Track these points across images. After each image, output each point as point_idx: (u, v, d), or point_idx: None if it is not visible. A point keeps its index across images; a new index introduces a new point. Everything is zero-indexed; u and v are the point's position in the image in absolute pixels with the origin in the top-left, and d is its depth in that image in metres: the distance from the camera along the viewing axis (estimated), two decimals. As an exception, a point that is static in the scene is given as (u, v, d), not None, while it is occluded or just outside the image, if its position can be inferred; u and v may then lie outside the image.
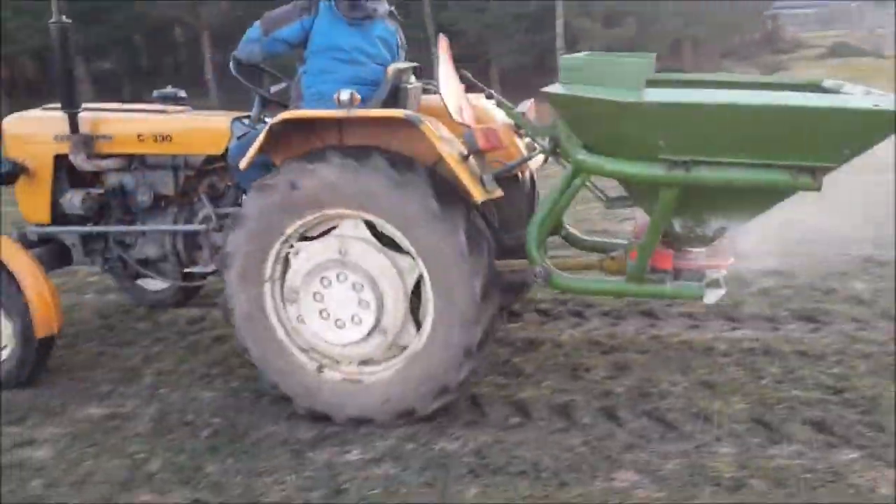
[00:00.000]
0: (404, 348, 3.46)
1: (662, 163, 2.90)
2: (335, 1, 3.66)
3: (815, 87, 3.36)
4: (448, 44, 3.66)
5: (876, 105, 2.69)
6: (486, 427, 3.42)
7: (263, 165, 3.55)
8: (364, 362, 3.51)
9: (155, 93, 4.48)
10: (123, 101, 4.89)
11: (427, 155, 3.31)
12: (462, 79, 3.79)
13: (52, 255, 4.38)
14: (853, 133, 2.74)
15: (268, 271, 3.46)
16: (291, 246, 3.45)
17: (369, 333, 3.38)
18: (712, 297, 3.32)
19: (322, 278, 3.39)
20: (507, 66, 16.99)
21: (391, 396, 3.42)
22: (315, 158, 3.30)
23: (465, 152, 3.28)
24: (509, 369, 3.97)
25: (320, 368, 3.53)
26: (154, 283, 4.95)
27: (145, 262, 4.34)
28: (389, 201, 3.24)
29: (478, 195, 3.23)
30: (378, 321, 3.37)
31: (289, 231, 3.40)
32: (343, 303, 3.38)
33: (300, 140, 3.45)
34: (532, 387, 3.76)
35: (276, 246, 3.43)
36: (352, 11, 3.66)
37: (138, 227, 4.29)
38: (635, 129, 2.90)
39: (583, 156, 3.13)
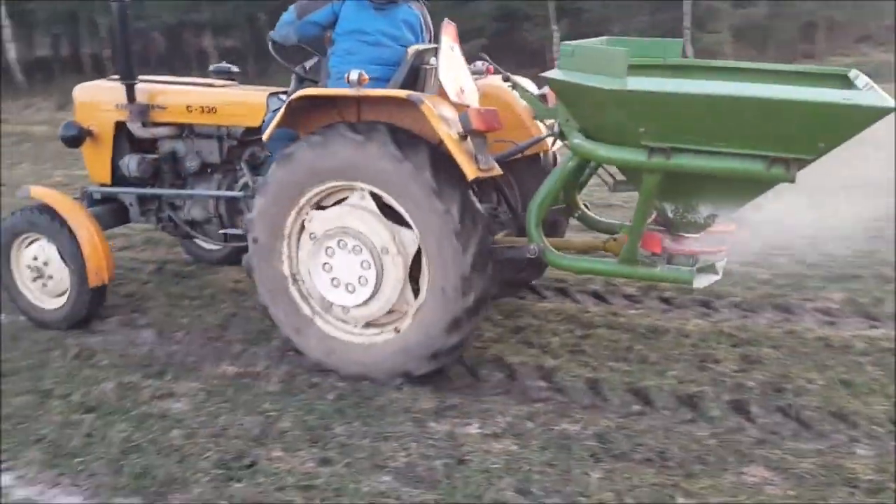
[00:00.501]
0: (403, 314, 3.66)
1: (644, 149, 3.01)
2: None
3: (838, 79, 3.29)
4: (455, 29, 3.79)
5: (847, 99, 2.72)
6: (607, 412, 3.37)
7: (290, 138, 3.78)
8: (367, 324, 3.74)
9: (211, 67, 4.80)
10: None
11: (432, 133, 3.45)
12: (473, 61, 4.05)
13: (113, 212, 4.84)
14: (826, 126, 2.76)
15: (286, 235, 3.75)
16: (307, 213, 3.70)
17: (370, 298, 3.61)
18: (703, 281, 3.39)
19: (328, 246, 3.64)
20: (630, 47, 16.54)
21: (389, 357, 3.66)
22: (327, 133, 3.53)
23: (462, 132, 3.40)
24: (631, 356, 3.88)
25: (328, 326, 3.81)
26: (208, 243, 5.22)
27: (192, 224, 4.71)
28: (391, 175, 3.44)
29: (471, 173, 3.37)
30: (378, 287, 3.59)
31: (304, 199, 3.66)
32: (348, 268, 3.62)
33: (321, 115, 3.68)
34: (655, 375, 3.66)
35: (294, 212, 3.70)
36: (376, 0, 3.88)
37: (186, 192, 4.64)
38: (619, 116, 3.01)
39: (578, 140, 3.28)
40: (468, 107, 3.57)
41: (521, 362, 3.87)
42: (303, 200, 3.66)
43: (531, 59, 16.42)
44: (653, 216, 3.54)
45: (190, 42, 21.27)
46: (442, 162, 3.41)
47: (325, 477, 2.95)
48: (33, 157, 11.16)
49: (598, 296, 4.75)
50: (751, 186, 3.10)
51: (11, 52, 21.16)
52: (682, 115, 2.91)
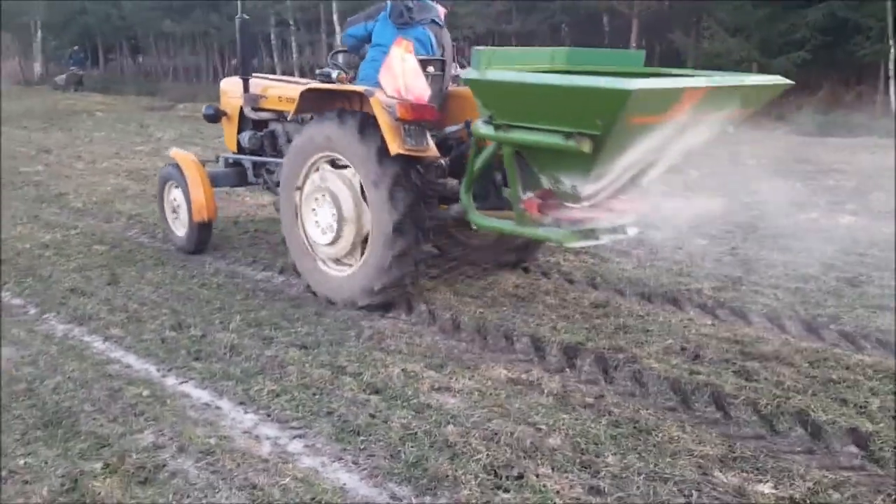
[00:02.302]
0: (357, 258, 4.84)
1: (496, 126, 4.01)
2: (389, 11, 5.13)
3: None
4: (409, 43, 4.67)
5: (607, 84, 3.45)
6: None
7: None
8: (336, 261, 4.97)
9: (317, 71, 5.56)
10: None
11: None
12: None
13: (237, 174, 6.31)
14: (598, 106, 3.50)
15: (297, 188, 5.06)
16: (311, 173, 4.97)
17: (334, 241, 4.86)
18: (578, 243, 4.30)
19: (316, 198, 4.91)
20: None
21: (346, 289, 4.86)
22: (321, 117, 4.86)
23: (396, 117, 4.42)
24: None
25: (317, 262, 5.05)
26: None
27: (279, 184, 5.48)
28: (352, 149, 4.65)
29: (393, 149, 4.42)
30: (339, 233, 4.81)
31: (310, 162, 4.95)
32: (324, 216, 4.88)
33: (330, 103, 4.89)
34: None
35: (303, 171, 5.00)
36: (398, 19, 5.12)
37: (274, 160, 5.86)
38: (485, 101, 4.05)
39: (476, 125, 4.20)
40: (396, 99, 4.48)
41: (829, 420, 3.35)
42: (307, 163, 4.96)
43: (860, 75, 14.67)
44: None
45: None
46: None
47: (593, 507, 2.78)
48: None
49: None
50: (567, 159, 3.84)
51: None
52: (510, 99, 3.94)
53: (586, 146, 3.63)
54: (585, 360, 4.07)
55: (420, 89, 4.57)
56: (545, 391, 3.71)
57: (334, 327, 4.57)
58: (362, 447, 3.21)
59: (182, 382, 3.86)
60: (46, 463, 3.07)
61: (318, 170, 4.94)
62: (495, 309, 4.83)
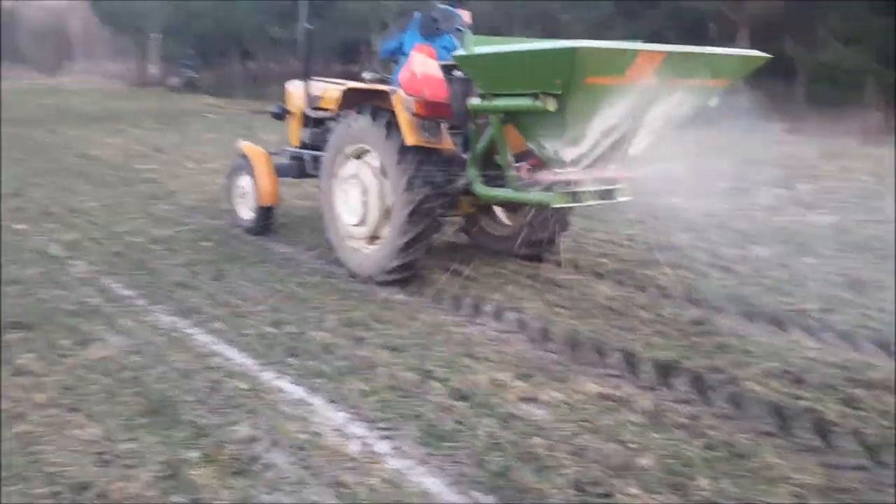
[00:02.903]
0: (378, 238, 5.47)
1: (482, 97, 4.59)
2: (418, 24, 5.86)
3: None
4: (427, 48, 5.59)
5: (557, 45, 4.07)
6: None
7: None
8: (361, 240, 5.61)
9: (364, 74, 6.40)
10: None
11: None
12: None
13: (297, 166, 6.81)
14: (554, 67, 4.07)
15: (335, 174, 5.74)
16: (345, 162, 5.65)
17: (360, 222, 5.51)
18: (563, 205, 4.64)
19: (347, 184, 5.57)
20: None
21: (368, 265, 5.50)
22: (355, 112, 5.49)
23: (415, 110, 5.05)
24: None
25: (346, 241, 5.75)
26: None
27: None
28: (379, 142, 5.24)
29: (409, 140, 5.00)
30: (365, 216, 5.46)
31: (344, 152, 5.64)
32: (354, 200, 5.52)
33: (368, 100, 5.45)
34: None
35: (339, 160, 5.68)
36: (425, 30, 5.85)
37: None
38: (472, 75, 4.65)
39: (470, 100, 4.73)
40: (412, 95, 5.10)
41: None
42: (342, 153, 5.64)
43: None
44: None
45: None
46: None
47: (683, 532, 2.69)
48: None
49: None
50: (542, 122, 4.34)
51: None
52: (489, 70, 4.53)
53: (551, 105, 4.14)
54: (680, 379, 3.95)
55: (436, 89, 5.10)
56: (636, 409, 3.62)
57: (423, 331, 4.61)
58: (448, 453, 3.22)
59: (278, 378, 3.98)
60: (148, 449, 3.22)
61: (350, 159, 5.63)
62: (587, 321, 4.76)
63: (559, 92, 4.08)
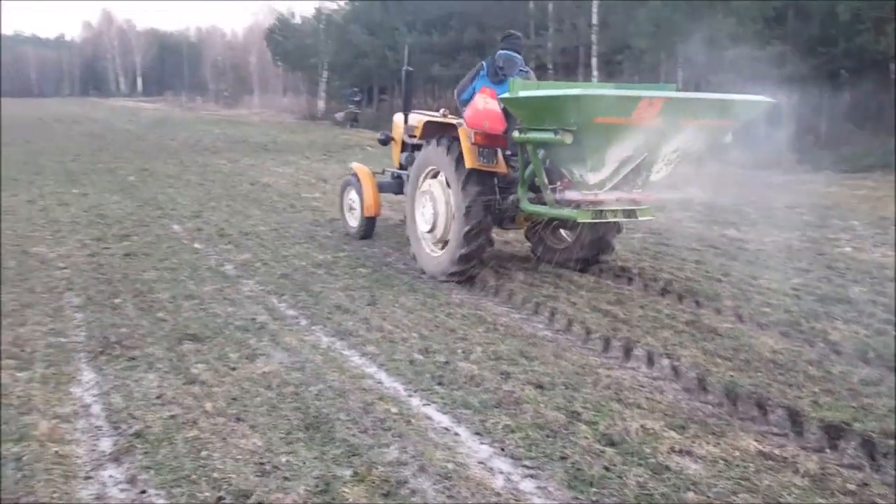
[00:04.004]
0: (446, 243, 6.55)
1: (521, 131, 5.72)
2: (486, 71, 6.83)
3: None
4: (490, 90, 6.45)
5: (568, 92, 5.45)
6: None
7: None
8: (433, 244, 6.79)
9: (442, 110, 7.73)
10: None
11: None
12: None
13: (398, 184, 8.28)
14: (568, 109, 5.18)
15: (416, 190, 6.95)
16: (424, 181, 6.89)
17: (431, 229, 6.71)
18: (588, 220, 5.64)
19: (424, 199, 6.79)
20: None
21: (435, 265, 6.65)
22: (432, 141, 6.67)
23: (474, 140, 6.17)
24: None
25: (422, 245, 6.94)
26: None
27: None
28: (447, 166, 6.40)
29: (469, 164, 6.14)
30: (435, 224, 6.67)
31: (423, 173, 6.88)
32: (428, 211, 6.72)
33: (443, 132, 6.70)
34: None
35: (419, 180, 6.94)
36: (493, 77, 6.76)
37: None
38: (515, 113, 5.86)
39: (514, 133, 5.83)
40: (478, 130, 6.22)
41: None
42: (421, 174, 6.90)
43: None
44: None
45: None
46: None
47: None
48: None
49: None
50: (567, 152, 5.39)
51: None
52: (526, 110, 5.64)
53: (567, 138, 5.20)
54: (850, 443, 3.65)
55: (494, 123, 6.18)
56: (800, 471, 3.37)
57: (571, 371, 4.54)
58: (595, 499, 3.14)
59: (425, 405, 4.05)
60: (304, 463, 3.38)
61: (428, 178, 6.84)
62: (748, 373, 4.51)
63: (573, 128, 5.18)
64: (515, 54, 6.83)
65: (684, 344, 5.02)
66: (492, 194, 6.25)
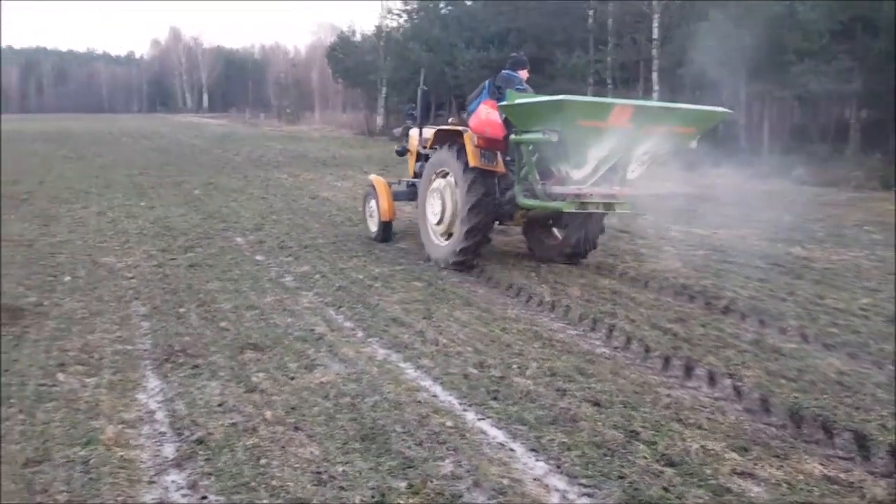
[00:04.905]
0: (451, 235, 7.60)
1: (516, 133, 6.71)
2: (487, 89, 7.68)
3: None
4: (493, 103, 7.31)
5: (554, 98, 6.22)
6: None
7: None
8: (440, 235, 7.83)
9: (451, 119, 8.98)
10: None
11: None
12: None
13: (412, 192, 9.05)
14: (553, 113, 6.10)
15: (428, 188, 7.94)
16: (434, 180, 7.89)
17: (439, 221, 7.71)
18: (573, 210, 6.55)
19: (433, 196, 7.82)
20: None
21: (441, 255, 7.66)
22: (442, 146, 7.76)
23: (477, 143, 7.26)
24: None
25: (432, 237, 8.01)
26: None
27: None
28: (453, 166, 7.42)
29: (471, 163, 7.20)
30: (442, 217, 7.67)
31: (433, 173, 7.89)
32: (437, 206, 7.74)
33: (452, 138, 7.66)
34: None
35: (429, 180, 7.94)
36: (494, 94, 7.51)
37: None
38: (511, 118, 6.76)
39: (511, 136, 6.87)
40: (480, 135, 7.27)
41: None
42: (431, 175, 7.87)
43: None
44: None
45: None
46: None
47: None
48: (654, 210, 12.12)
49: None
50: (554, 151, 6.43)
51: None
52: (519, 115, 6.56)
53: (554, 137, 6.16)
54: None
55: (494, 129, 7.16)
56: (867, 496, 3.27)
57: (629, 389, 4.47)
58: (653, 519, 3.08)
59: (480, 419, 4.05)
60: (360, 474, 3.41)
61: (438, 178, 7.81)
62: (813, 395, 4.37)
63: (559, 129, 6.15)
64: (516, 73, 7.90)
65: (747, 364, 4.89)
66: (493, 192, 7.32)
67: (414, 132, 9.13)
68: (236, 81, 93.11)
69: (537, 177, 6.71)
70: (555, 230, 8.24)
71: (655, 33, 22.45)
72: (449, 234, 7.63)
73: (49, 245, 8.70)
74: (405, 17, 39.06)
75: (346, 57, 42.73)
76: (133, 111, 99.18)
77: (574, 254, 7.92)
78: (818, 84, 17.78)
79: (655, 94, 23.12)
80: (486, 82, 7.88)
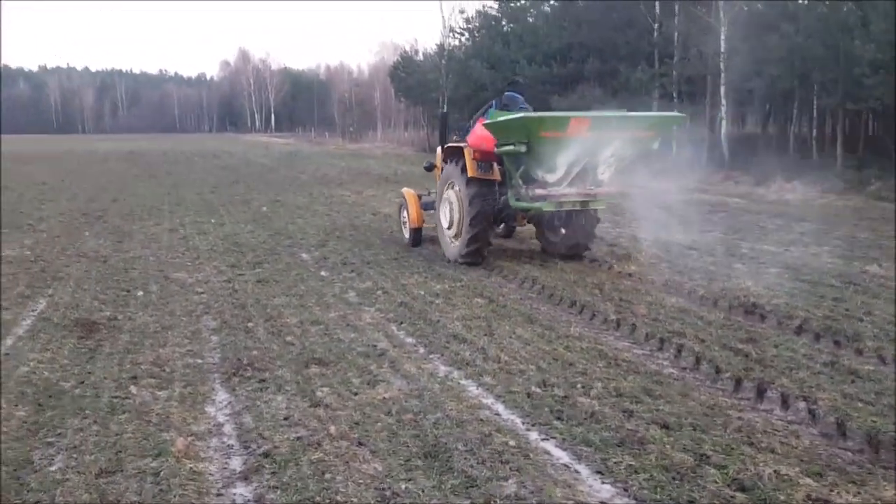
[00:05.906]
0: (459, 236, 8.89)
1: (498, 145, 7.95)
2: (496, 104, 8.99)
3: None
4: (487, 121, 8.43)
5: (519, 116, 7.79)
6: None
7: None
8: (451, 237, 9.11)
9: (455, 137, 9.74)
10: None
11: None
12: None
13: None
14: (521, 127, 7.47)
15: (441, 198, 9.28)
16: (446, 191, 9.25)
17: (450, 226, 9.07)
18: (551, 209, 8.02)
19: (445, 205, 9.14)
20: None
21: (452, 252, 9.02)
22: (449, 161, 9.15)
23: (473, 156, 8.57)
24: None
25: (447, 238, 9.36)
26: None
27: None
28: (458, 178, 8.76)
29: (470, 173, 8.54)
30: (452, 222, 9.00)
31: (445, 185, 9.16)
32: (448, 213, 9.05)
33: (455, 153, 9.01)
34: None
35: (442, 190, 9.23)
36: (502, 110, 8.69)
37: None
38: (493, 133, 7.95)
39: (496, 148, 8.05)
40: (476, 149, 8.54)
41: None
42: (444, 186, 9.15)
43: None
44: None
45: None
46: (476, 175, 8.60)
47: None
48: (724, 226, 11.85)
49: None
50: (527, 159, 7.75)
51: (723, 128, 23.08)
52: (499, 130, 7.83)
53: (522, 148, 7.47)
54: None
55: (487, 143, 8.14)
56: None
57: (699, 411, 4.35)
58: (724, 547, 2.97)
59: (544, 439, 3.99)
60: (423, 491, 3.40)
61: (449, 188, 9.02)
62: (892, 419, 4.17)
63: (527, 140, 7.43)
64: (518, 95, 9.08)
65: (822, 386, 4.70)
66: (492, 200, 8.57)
67: (439, 150, 10.28)
68: (302, 101, 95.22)
69: (521, 182, 8.00)
70: (562, 230, 9.20)
71: (723, 46, 22.02)
72: (458, 236, 8.91)
73: (123, 261, 9.03)
74: (467, 35, 39.36)
75: (408, 76, 43.27)
76: (204, 131, 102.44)
77: (571, 248, 9.18)
78: (892, 97, 17.11)
79: (723, 108, 22.65)
80: (493, 101, 9.11)
